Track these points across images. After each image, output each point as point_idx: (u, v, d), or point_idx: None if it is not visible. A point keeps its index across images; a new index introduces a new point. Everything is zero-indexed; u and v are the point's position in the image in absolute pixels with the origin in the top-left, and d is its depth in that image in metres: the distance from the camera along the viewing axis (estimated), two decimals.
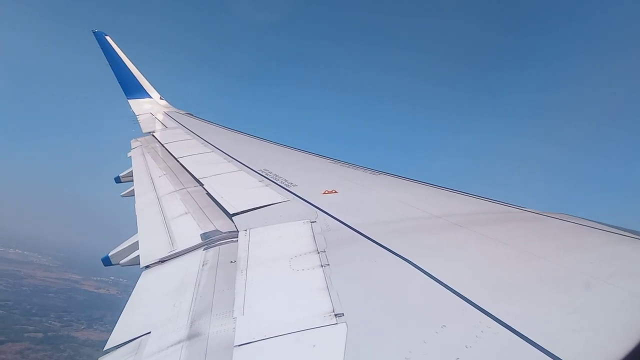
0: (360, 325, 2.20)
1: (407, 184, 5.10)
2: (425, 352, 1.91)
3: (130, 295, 3.48)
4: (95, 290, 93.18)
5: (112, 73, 13.61)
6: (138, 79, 13.95)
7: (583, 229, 3.24)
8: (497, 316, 2.04)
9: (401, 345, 1.99)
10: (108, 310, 75.47)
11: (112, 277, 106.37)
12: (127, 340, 2.84)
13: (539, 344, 1.81)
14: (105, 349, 2.85)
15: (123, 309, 3.32)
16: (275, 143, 8.48)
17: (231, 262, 3.35)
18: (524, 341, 1.85)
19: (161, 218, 4.93)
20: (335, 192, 4.56)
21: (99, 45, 13.76)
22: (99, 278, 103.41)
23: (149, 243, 4.44)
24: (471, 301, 2.19)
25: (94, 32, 14.04)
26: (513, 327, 1.95)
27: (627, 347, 1.75)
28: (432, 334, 2.01)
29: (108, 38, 13.96)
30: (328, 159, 6.62)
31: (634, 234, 3.00)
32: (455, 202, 4.35)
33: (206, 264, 3.50)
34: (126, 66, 13.81)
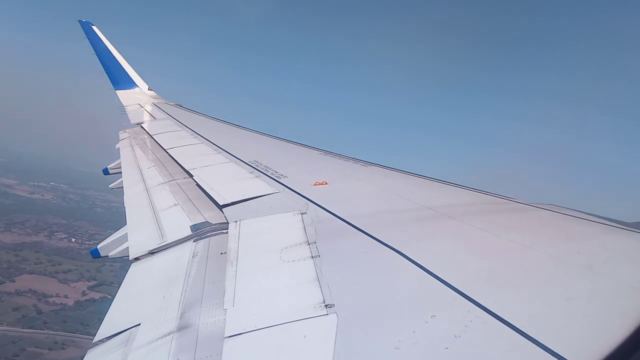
0: (351, 315, 2.20)
1: (398, 175, 5.11)
2: (415, 341, 1.93)
3: (119, 287, 3.45)
4: (28, 195, 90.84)
5: (99, 63, 13.38)
6: (125, 69, 13.73)
7: (571, 220, 3.28)
8: (486, 306, 2.06)
9: (391, 335, 2.00)
10: (33, 214, 74.56)
11: (52, 183, 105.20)
12: (116, 332, 2.82)
13: (528, 333, 1.84)
14: (94, 341, 2.83)
15: (112, 301, 3.30)
16: (266, 134, 8.44)
17: (221, 253, 3.33)
18: (513, 330, 1.87)
19: (150, 210, 4.89)
20: (326, 183, 4.56)
21: (85, 35, 13.51)
22: (35, 183, 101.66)
23: (138, 235, 4.41)
24: (460, 291, 2.21)
25: (80, 22, 13.76)
26: (502, 316, 1.97)
27: (616, 336, 1.78)
28: (421, 324, 2.02)
29: (94, 28, 13.69)
30: (318, 151, 6.60)
31: (621, 224, 3.05)
32: (445, 193, 4.37)
33: (196, 255, 3.48)
34: (113, 56, 13.57)
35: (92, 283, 55.87)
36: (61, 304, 51.10)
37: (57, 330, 46.00)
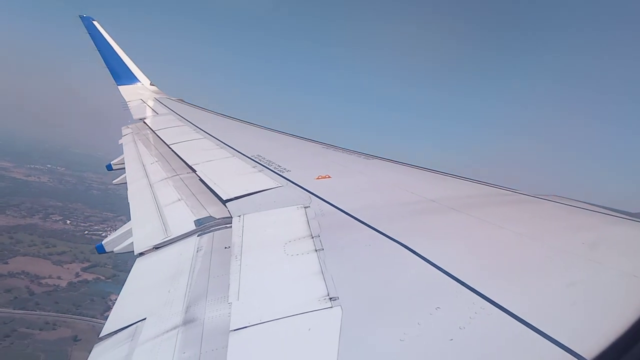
0: (355, 308, 2.21)
1: (401, 168, 5.10)
2: (420, 333, 1.93)
3: (124, 282, 3.47)
4: (24, 178, 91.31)
5: (101, 59, 13.37)
6: (127, 64, 13.73)
7: (575, 211, 3.27)
8: (490, 297, 2.06)
9: (396, 328, 2.01)
10: (29, 196, 74.64)
11: (49, 166, 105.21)
12: (122, 326, 2.85)
13: (533, 324, 1.84)
14: (100, 335, 2.86)
15: (118, 296, 3.32)
16: (268, 129, 8.43)
17: (225, 248, 3.34)
18: (518, 322, 1.88)
19: (154, 205, 4.91)
20: (329, 177, 4.55)
21: (86, 31, 13.49)
22: (32, 166, 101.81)
23: (143, 230, 4.42)
24: (465, 283, 2.21)
25: (81, 17, 13.74)
26: (506, 308, 1.97)
27: (621, 326, 1.78)
28: (426, 316, 2.03)
29: (95, 23, 13.67)
30: (321, 144, 6.59)
31: (625, 214, 3.04)
32: (449, 185, 4.36)
33: (200, 250, 3.49)
34: (115, 52, 13.56)
35: (86, 265, 55.87)
36: (54, 285, 51.22)
37: (49, 311, 46.30)
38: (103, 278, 53.59)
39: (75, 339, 42.71)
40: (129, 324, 2.84)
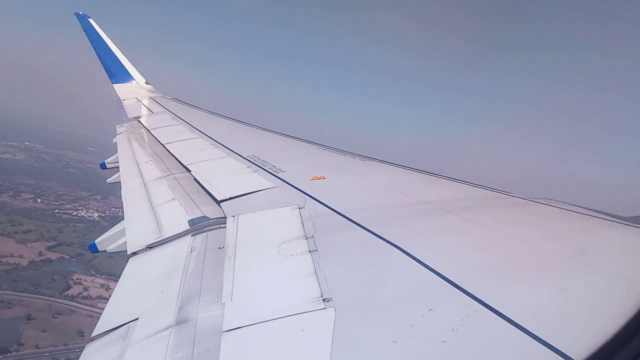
0: (349, 309, 2.21)
1: (395, 169, 5.12)
2: (413, 335, 1.94)
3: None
4: None
5: (96, 56, 13.28)
6: (122, 63, 13.65)
7: (568, 214, 3.30)
8: (483, 300, 2.07)
9: (389, 329, 2.01)
10: (1, 174, 72.56)
11: (27, 143, 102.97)
12: (114, 326, 2.83)
13: (525, 327, 1.85)
14: (92, 335, 2.84)
15: (110, 296, 3.30)
16: (263, 129, 8.42)
17: (219, 248, 3.33)
18: (510, 324, 1.89)
19: (148, 204, 4.88)
20: (324, 178, 4.56)
21: (82, 28, 13.40)
22: (9, 143, 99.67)
23: (136, 229, 4.40)
24: (458, 285, 2.22)
25: (77, 15, 13.65)
26: (499, 310, 1.98)
27: (612, 329, 1.79)
28: (419, 318, 2.03)
29: (91, 21, 13.59)
30: (316, 145, 6.60)
31: (617, 218, 3.06)
32: (443, 187, 4.38)
33: (194, 250, 3.48)
34: (110, 50, 13.48)
35: (52, 244, 54.48)
36: (14, 263, 50.03)
37: (5, 290, 45.32)
38: (67, 257, 52.13)
39: (29, 317, 41.93)
40: (121, 323, 2.82)
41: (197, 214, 4.26)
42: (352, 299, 2.33)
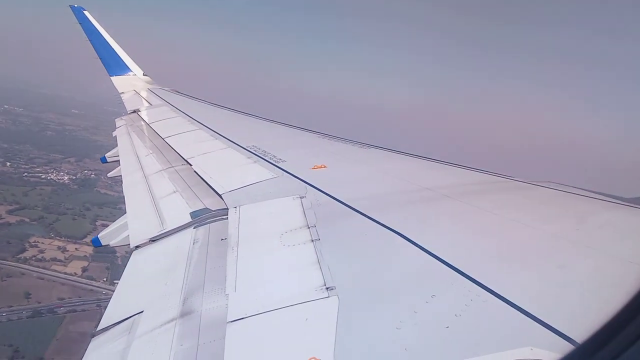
0: (352, 297, 2.22)
1: (396, 157, 5.10)
2: (416, 321, 1.94)
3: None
4: None
5: (93, 49, 13.17)
6: (120, 55, 13.54)
7: (571, 197, 3.28)
8: (486, 285, 2.07)
9: (392, 316, 2.02)
10: None
11: (6, 106, 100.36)
12: (120, 319, 2.85)
13: (528, 310, 1.85)
14: (98, 329, 2.86)
15: (115, 289, 3.32)
16: (263, 119, 8.38)
17: (222, 239, 3.34)
18: (513, 308, 1.89)
19: (149, 197, 4.88)
20: (325, 166, 4.54)
21: (77, 21, 13.27)
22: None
23: (139, 223, 4.41)
24: (461, 271, 2.22)
25: (72, 7, 13.50)
26: (502, 295, 1.98)
27: (613, 310, 1.79)
28: (422, 304, 2.04)
29: (87, 13, 13.45)
30: (317, 134, 6.57)
31: (621, 200, 3.05)
32: (444, 173, 4.36)
33: (197, 242, 3.49)
34: (107, 42, 13.35)
35: (13, 207, 52.30)
36: None
37: None
38: (28, 220, 50.07)
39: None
40: (126, 317, 2.84)
41: (199, 206, 4.26)
42: (355, 287, 2.33)
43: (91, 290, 41.21)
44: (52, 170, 65.90)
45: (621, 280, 2.05)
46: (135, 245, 3.88)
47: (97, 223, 50.56)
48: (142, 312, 2.82)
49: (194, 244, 3.47)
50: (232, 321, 2.24)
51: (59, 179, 63.51)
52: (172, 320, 2.58)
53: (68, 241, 46.67)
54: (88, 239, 46.91)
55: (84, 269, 43.44)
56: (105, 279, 42.29)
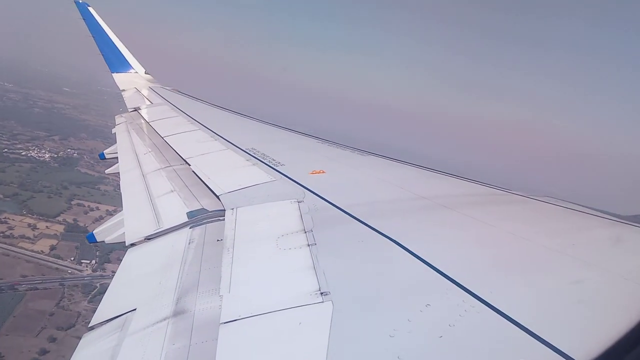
0: (346, 303, 2.22)
1: (395, 164, 5.12)
2: (410, 330, 1.95)
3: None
4: None
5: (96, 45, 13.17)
6: (122, 52, 13.55)
7: (566, 212, 3.31)
8: (480, 296, 2.07)
9: (386, 323, 2.02)
10: None
11: (11, 85, 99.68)
12: (112, 317, 2.83)
13: (521, 323, 1.86)
14: (90, 325, 2.84)
15: (108, 286, 3.30)
16: (263, 121, 8.40)
17: (218, 240, 3.33)
18: (507, 320, 1.90)
19: (147, 196, 4.87)
20: (323, 172, 4.55)
21: (81, 17, 13.28)
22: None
23: (135, 221, 4.39)
24: (455, 281, 2.23)
25: (77, 3, 13.53)
26: (496, 306, 1.99)
27: (609, 327, 1.80)
28: (416, 313, 2.04)
29: (91, 9, 13.47)
30: (316, 139, 6.58)
31: (615, 217, 3.07)
32: (441, 183, 4.38)
33: (192, 242, 3.48)
34: (110, 39, 13.37)
35: None
36: None
37: None
38: (1, 197, 49.12)
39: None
40: (119, 314, 2.82)
41: (196, 206, 4.26)
42: (350, 293, 2.33)
43: (57, 269, 40.73)
44: (33, 147, 64.76)
45: (616, 296, 2.07)
46: (131, 242, 3.86)
47: (72, 202, 50.53)
48: (134, 309, 2.80)
49: (189, 243, 3.47)
50: (225, 322, 2.23)
51: (39, 157, 62.64)
52: (164, 319, 2.57)
53: (40, 219, 45.85)
54: (61, 218, 47.07)
55: (52, 248, 42.88)
56: (72, 258, 41.82)
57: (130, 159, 6.64)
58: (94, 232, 4.88)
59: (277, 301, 2.34)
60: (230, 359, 2.04)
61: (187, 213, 4.09)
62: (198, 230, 3.69)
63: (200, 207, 4.19)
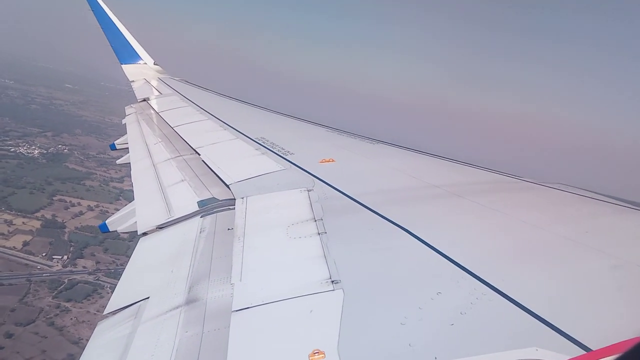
0: (357, 291, 2.22)
1: (405, 153, 5.08)
2: (421, 317, 1.95)
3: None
4: None
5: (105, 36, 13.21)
6: (131, 43, 13.57)
7: (579, 199, 3.26)
8: (492, 283, 2.06)
9: (397, 311, 2.02)
10: None
11: (11, 81, 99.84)
12: (126, 305, 2.88)
13: (533, 310, 1.85)
14: (104, 313, 2.89)
15: (121, 275, 3.35)
16: (272, 111, 8.38)
17: (228, 229, 3.36)
18: (518, 308, 1.89)
19: (157, 185, 4.91)
20: (333, 160, 4.54)
21: (90, 8, 13.30)
22: None
23: (146, 210, 4.44)
24: (467, 269, 2.22)
25: None
26: (508, 294, 1.98)
27: (621, 314, 1.78)
28: (427, 301, 2.04)
29: (99, 0, 13.48)
30: (325, 128, 6.56)
31: (630, 203, 3.02)
32: (453, 171, 4.34)
33: (203, 231, 3.51)
34: (119, 30, 13.38)
35: None
36: None
37: None
38: None
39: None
40: (133, 302, 2.87)
41: (206, 195, 4.28)
42: (361, 281, 2.34)
43: (26, 264, 40.10)
44: (24, 144, 64.54)
45: (629, 284, 2.04)
46: (143, 232, 3.91)
47: (54, 198, 50.02)
48: (148, 298, 2.84)
49: (200, 232, 3.49)
50: (236, 310, 2.26)
51: (28, 153, 62.26)
52: (177, 307, 2.60)
53: (17, 215, 45.51)
54: (40, 214, 46.56)
55: (25, 244, 42.29)
56: (44, 254, 41.30)
57: (141, 149, 6.69)
58: (106, 221, 4.94)
59: (288, 289, 2.35)
60: (242, 346, 2.07)
61: (197, 202, 4.11)
62: (209, 219, 3.72)
63: (210, 197, 4.21)
